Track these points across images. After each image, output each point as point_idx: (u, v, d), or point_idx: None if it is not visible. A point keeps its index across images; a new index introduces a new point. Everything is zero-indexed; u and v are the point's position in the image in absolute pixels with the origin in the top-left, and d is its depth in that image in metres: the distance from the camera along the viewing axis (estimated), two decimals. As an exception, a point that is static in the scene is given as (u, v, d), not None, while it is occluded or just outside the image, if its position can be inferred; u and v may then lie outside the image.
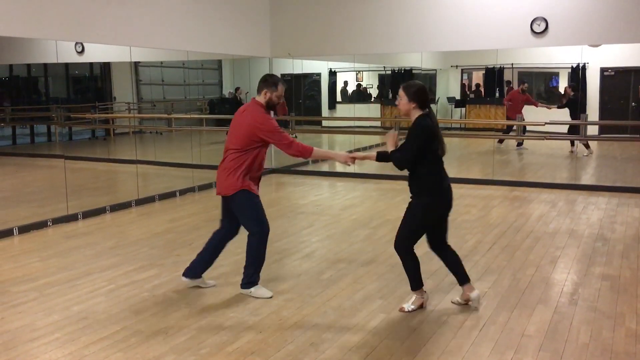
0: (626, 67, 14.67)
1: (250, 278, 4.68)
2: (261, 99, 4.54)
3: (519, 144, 13.38)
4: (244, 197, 4.52)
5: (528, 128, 12.69)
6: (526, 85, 13.58)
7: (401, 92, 4.21)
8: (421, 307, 4.38)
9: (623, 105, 14.96)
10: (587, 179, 10.14)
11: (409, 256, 4.31)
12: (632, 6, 8.25)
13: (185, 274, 4.83)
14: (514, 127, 12.48)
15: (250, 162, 4.50)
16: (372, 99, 16.27)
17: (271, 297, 4.59)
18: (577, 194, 8.71)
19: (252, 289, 4.65)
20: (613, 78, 15.03)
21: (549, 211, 7.66)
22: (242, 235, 6.76)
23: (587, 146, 12.54)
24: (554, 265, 5.40)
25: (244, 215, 4.61)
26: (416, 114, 4.19)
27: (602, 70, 14.88)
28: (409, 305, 4.36)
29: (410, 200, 4.30)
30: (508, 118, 12.82)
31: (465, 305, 4.40)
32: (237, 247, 5.99)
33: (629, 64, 14.37)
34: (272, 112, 4.72)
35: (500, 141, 13.20)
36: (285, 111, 12.95)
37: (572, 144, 12.68)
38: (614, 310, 4.30)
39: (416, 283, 4.37)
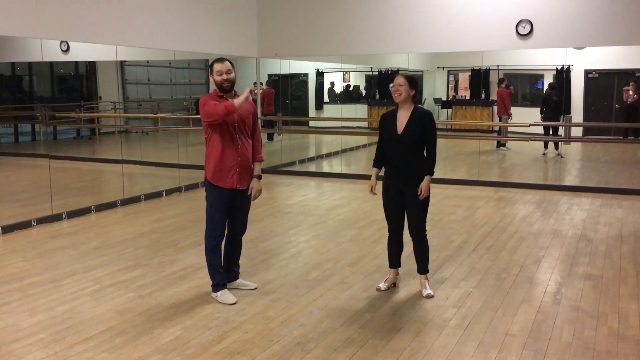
0: (610, 70, 14.85)
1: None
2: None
3: (501, 145, 13.38)
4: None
5: (513, 129, 12.81)
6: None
7: (403, 80, 4.43)
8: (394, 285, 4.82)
9: (607, 107, 15.15)
10: (571, 180, 10.25)
11: (426, 240, 4.70)
12: (616, 9, 8.36)
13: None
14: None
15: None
16: (360, 99, 16.33)
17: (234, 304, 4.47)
18: (561, 195, 8.80)
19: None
20: (597, 80, 15.21)
21: (534, 212, 7.74)
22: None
23: (556, 146, 12.63)
24: (538, 265, 5.45)
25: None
26: (412, 103, 4.50)
27: (587, 72, 15.05)
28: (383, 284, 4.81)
29: (411, 190, 4.48)
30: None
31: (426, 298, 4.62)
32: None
33: (613, 66, 14.55)
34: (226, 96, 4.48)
35: (546, 145, 12.80)
36: (271, 110, 12.96)
37: (546, 145, 12.76)
38: (596, 310, 4.35)
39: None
